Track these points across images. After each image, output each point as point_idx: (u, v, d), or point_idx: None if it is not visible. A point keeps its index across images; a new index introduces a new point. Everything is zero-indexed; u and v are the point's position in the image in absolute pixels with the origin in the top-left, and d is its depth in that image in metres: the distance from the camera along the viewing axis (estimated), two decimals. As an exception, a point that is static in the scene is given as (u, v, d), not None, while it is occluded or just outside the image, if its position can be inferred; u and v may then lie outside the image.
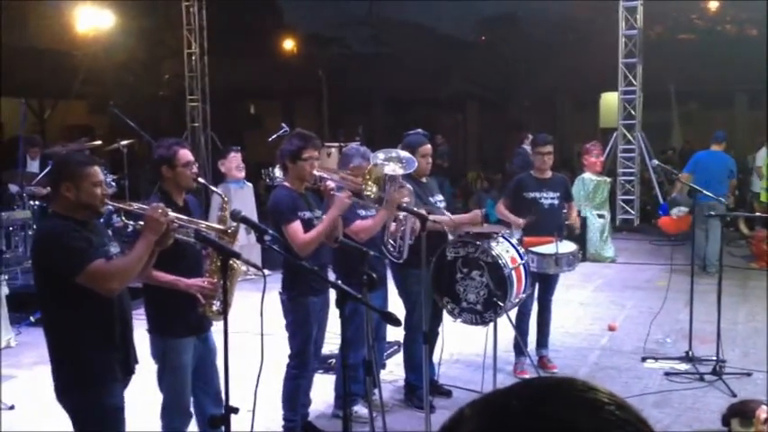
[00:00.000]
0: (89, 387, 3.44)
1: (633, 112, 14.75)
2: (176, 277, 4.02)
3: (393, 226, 5.20)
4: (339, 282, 3.44)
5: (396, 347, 6.62)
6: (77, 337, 3.41)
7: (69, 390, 3.46)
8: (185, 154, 4.20)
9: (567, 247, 6.09)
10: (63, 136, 19.94)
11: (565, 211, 6.98)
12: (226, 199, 4.36)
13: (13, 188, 9.19)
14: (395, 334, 6.29)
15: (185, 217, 3.77)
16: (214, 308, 4.09)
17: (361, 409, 5.30)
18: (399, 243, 5.16)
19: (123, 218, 3.82)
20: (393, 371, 6.33)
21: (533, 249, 5.92)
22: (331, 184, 4.85)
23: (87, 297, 3.34)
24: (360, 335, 4.89)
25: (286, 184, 4.85)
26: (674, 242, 10.60)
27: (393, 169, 4.99)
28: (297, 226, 4.65)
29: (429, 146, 5.71)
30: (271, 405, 5.17)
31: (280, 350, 5.10)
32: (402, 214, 5.08)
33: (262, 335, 3.25)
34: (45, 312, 3.57)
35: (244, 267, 4.23)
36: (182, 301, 4.06)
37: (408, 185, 5.01)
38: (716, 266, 10.33)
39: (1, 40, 15.69)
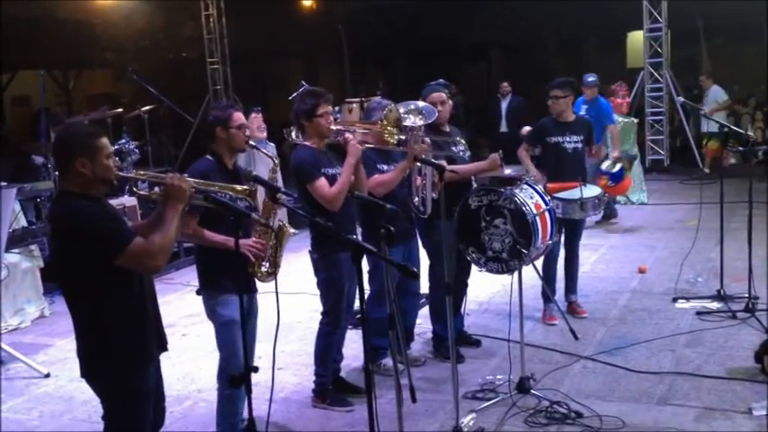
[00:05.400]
0: (125, 370, 3.32)
1: (660, 50, 14.42)
2: (227, 237, 4.05)
3: (418, 180, 5.17)
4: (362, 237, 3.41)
5: (423, 300, 6.63)
6: (113, 319, 3.26)
7: (103, 373, 3.33)
8: (239, 116, 4.31)
9: (592, 191, 6.00)
10: (89, 106, 20.09)
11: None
12: (276, 161, 4.51)
13: (38, 159, 9.26)
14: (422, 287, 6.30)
15: (201, 180, 3.74)
16: (263, 269, 4.26)
17: (389, 362, 5.32)
18: (423, 197, 5.14)
19: (135, 188, 3.85)
20: (421, 323, 6.34)
21: (558, 195, 5.84)
22: (349, 136, 4.82)
23: (119, 276, 3.21)
24: (384, 289, 4.88)
25: (306, 143, 4.82)
26: (703, 181, 10.39)
27: (413, 121, 4.94)
28: (322, 182, 4.67)
29: (439, 94, 5.57)
30: (301, 361, 5.20)
31: (308, 308, 5.10)
32: (424, 168, 5.04)
33: (277, 293, 3.26)
34: (75, 296, 3.30)
35: (292, 230, 4.38)
36: (229, 260, 4.02)
37: (428, 139, 4.96)
38: None
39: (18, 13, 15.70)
